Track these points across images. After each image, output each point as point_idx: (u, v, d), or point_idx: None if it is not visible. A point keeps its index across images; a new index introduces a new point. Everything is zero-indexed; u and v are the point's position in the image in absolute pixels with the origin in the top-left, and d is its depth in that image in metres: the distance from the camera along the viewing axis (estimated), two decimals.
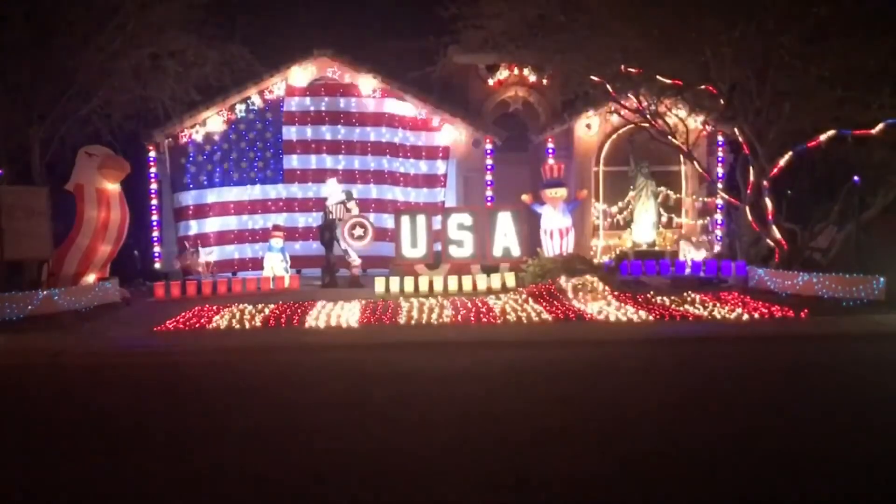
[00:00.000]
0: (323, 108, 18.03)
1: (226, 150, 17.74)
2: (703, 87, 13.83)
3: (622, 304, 11.73)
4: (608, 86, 15.23)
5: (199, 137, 17.52)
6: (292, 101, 17.87)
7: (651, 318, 10.86)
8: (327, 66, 17.76)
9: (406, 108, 17.95)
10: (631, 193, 17.72)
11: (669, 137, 15.24)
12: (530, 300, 12.41)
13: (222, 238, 17.73)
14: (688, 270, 15.30)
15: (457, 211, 15.85)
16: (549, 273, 13.96)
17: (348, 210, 15.81)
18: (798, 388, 7.19)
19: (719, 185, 16.76)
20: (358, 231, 15.62)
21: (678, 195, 18.12)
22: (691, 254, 16.16)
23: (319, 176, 17.65)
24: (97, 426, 6.16)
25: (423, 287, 14.22)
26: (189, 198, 17.70)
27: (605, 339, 9.74)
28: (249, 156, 17.83)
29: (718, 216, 17.97)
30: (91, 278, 13.12)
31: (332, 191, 16.13)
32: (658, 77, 13.92)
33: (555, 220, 15.72)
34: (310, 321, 11.01)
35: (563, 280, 13.24)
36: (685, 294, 12.60)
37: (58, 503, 4.60)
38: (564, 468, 4.91)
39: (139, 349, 9.59)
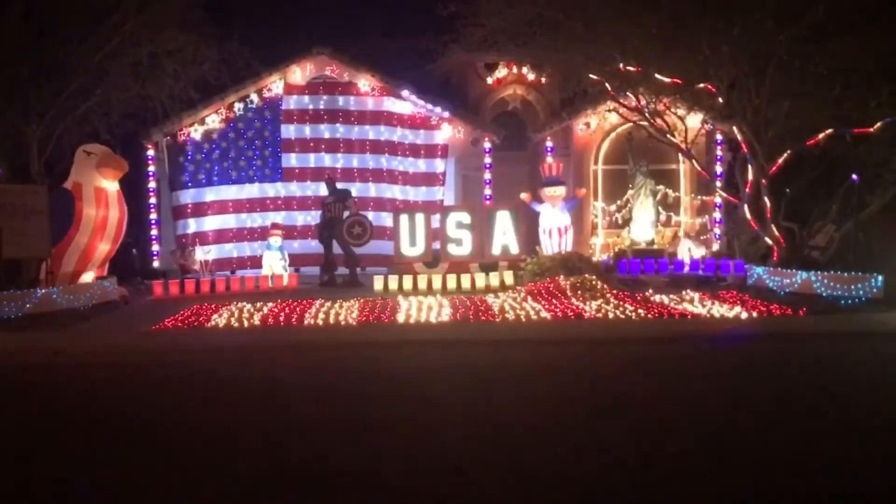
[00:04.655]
0: (321, 107, 18.03)
1: (224, 149, 17.74)
2: (701, 85, 13.82)
3: (621, 303, 11.73)
4: (607, 84, 15.23)
5: (197, 136, 17.53)
6: (291, 99, 17.87)
7: (650, 316, 10.86)
8: (326, 65, 17.76)
9: (405, 106, 17.95)
10: (629, 192, 17.74)
11: (668, 136, 15.24)
12: (529, 299, 12.41)
13: (221, 236, 17.73)
14: (686, 269, 15.30)
15: (455, 209, 15.85)
16: (548, 271, 13.97)
17: (347, 208, 15.80)
18: (797, 386, 7.20)
19: (718, 184, 16.76)
20: (357, 230, 15.61)
21: (677, 194, 18.13)
22: (693, 251, 16.12)
23: (318, 174, 17.65)
24: (95, 425, 6.16)
25: (422, 285, 14.22)
26: (187, 196, 17.70)
27: (603, 337, 9.73)
28: (248, 154, 17.83)
29: (717, 215, 17.98)
30: (89, 277, 13.12)
31: (330, 190, 16.12)
32: (657, 75, 13.91)
33: (553, 219, 15.72)
34: (308, 320, 11.00)
35: (561, 278, 13.25)
36: (684, 293, 12.61)
37: (56, 502, 4.60)
38: (561, 466, 4.91)
39: (138, 348, 9.58)
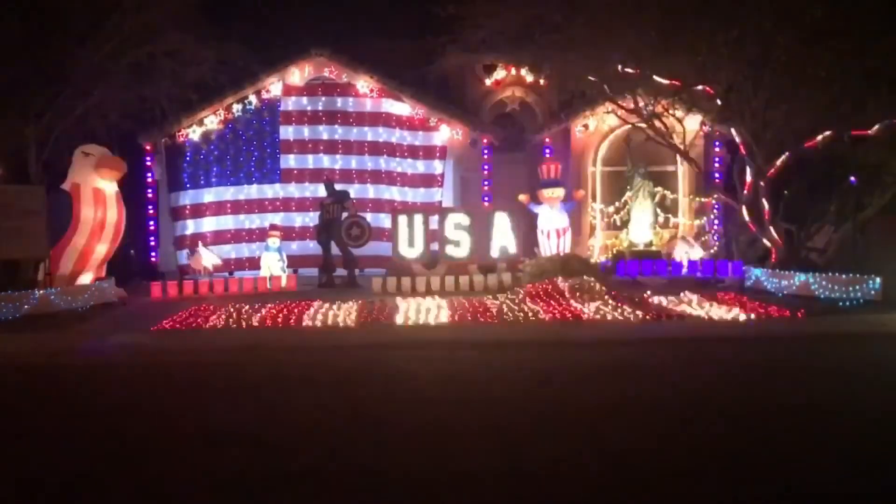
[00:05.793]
0: (320, 108, 18.04)
1: (223, 150, 17.76)
2: (700, 87, 13.84)
3: (619, 305, 11.73)
4: (605, 86, 15.24)
5: (195, 137, 17.54)
6: (289, 100, 17.88)
7: (648, 318, 10.86)
8: (324, 66, 17.77)
9: (403, 107, 17.96)
10: (628, 193, 17.73)
11: (666, 138, 15.25)
12: (527, 300, 12.41)
13: (219, 237, 17.74)
14: (684, 271, 15.30)
15: (454, 211, 15.85)
16: (547, 273, 13.96)
17: (345, 210, 15.79)
18: (795, 388, 7.20)
19: (716, 186, 16.78)
20: (355, 231, 15.60)
21: (675, 195, 18.14)
22: (688, 253, 16.11)
23: (316, 176, 17.65)
24: (94, 426, 6.15)
25: (421, 287, 14.21)
26: (186, 197, 17.70)
27: (602, 339, 9.72)
28: (246, 155, 17.85)
29: (715, 216, 17.98)
30: (87, 278, 13.09)
31: (328, 191, 16.11)
32: (655, 77, 13.93)
33: (552, 220, 15.72)
34: (307, 321, 11.00)
35: (560, 280, 13.25)
36: (682, 294, 12.61)
37: (56, 502, 4.59)
38: (558, 468, 4.91)
39: (136, 349, 9.56)
